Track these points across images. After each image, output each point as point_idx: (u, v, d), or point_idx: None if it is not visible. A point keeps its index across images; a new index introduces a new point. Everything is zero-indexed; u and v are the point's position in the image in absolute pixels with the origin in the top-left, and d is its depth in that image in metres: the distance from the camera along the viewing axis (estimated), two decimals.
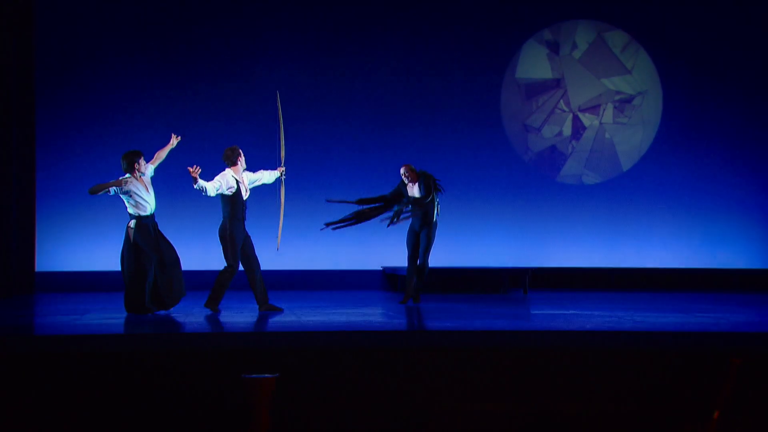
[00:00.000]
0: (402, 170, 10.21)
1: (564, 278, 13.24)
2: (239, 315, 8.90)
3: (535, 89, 13.43)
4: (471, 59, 13.26)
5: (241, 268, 9.18)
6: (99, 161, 12.08)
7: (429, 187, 10.00)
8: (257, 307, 9.24)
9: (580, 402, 6.78)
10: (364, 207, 9.88)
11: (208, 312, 8.89)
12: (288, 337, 7.15)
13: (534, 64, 13.35)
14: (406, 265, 10.30)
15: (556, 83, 13.45)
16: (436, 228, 10.18)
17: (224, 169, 9.10)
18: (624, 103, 13.53)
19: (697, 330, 7.61)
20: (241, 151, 9.20)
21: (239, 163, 9.12)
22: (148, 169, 8.82)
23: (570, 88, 13.44)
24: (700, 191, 13.49)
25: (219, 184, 8.92)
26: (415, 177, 10.13)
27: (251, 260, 9.06)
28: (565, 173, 13.51)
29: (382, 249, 12.94)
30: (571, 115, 13.48)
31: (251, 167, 9.39)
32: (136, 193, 8.65)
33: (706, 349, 6.89)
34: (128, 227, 8.70)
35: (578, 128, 13.49)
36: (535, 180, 13.47)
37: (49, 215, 12.17)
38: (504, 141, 13.40)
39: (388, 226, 10.03)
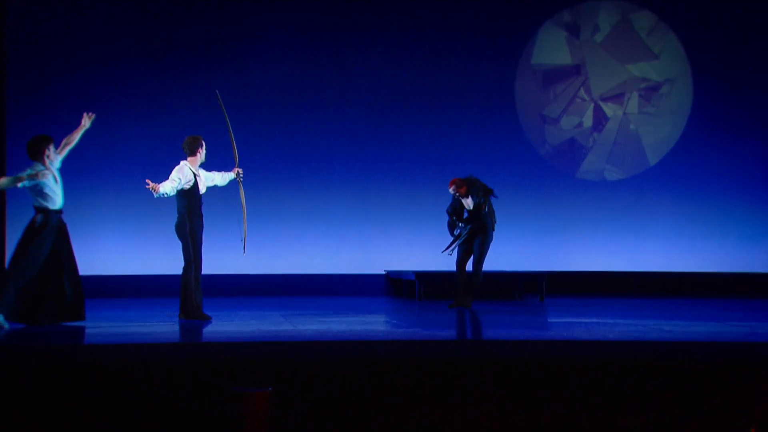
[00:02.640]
0: (450, 189, 10.41)
1: (584, 283, 13.26)
2: (230, 323, 8.93)
3: (553, 76, 13.44)
4: (482, 44, 13.26)
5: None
6: (74, 159, 12.24)
7: (479, 193, 10.26)
8: (214, 314, 9.23)
9: (603, 418, 6.77)
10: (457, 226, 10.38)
11: (195, 320, 8.89)
12: (282, 347, 7.15)
13: (552, 48, 13.35)
14: (455, 270, 10.54)
15: (576, 70, 13.46)
16: (491, 237, 10.42)
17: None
18: (651, 91, 13.54)
19: (730, 340, 7.59)
20: (203, 142, 9.03)
21: (199, 155, 8.98)
22: (57, 158, 8.59)
23: (591, 74, 13.46)
24: (733, 189, 13.51)
25: (178, 180, 8.80)
26: (464, 189, 10.35)
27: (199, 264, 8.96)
28: (585, 168, 13.53)
29: (386, 251, 13.01)
30: (592, 105, 13.49)
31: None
32: (45, 184, 8.38)
33: (740, 361, 6.88)
34: (34, 221, 8.42)
35: (600, 119, 13.50)
36: (552, 176, 13.47)
37: (20, 219, 12.24)
38: (518, 133, 13.42)
39: (443, 251, 10.54)
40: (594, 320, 9.48)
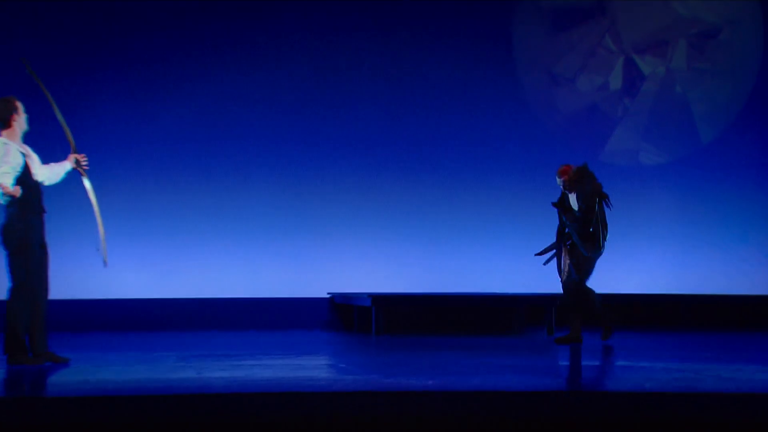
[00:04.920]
0: (558, 180, 10.97)
1: (609, 310, 13.22)
2: (100, 370, 8.79)
3: (567, 19, 13.54)
4: None
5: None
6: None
7: (586, 197, 10.70)
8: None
9: None
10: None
11: (34, 365, 8.79)
12: (178, 404, 7.02)
13: None
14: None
15: (600, 8, 13.56)
16: (592, 251, 10.83)
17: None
18: (704, 39, 13.65)
19: None
20: (20, 105, 8.81)
21: (15, 124, 8.80)
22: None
23: (621, 16, 13.56)
24: None
25: (8, 165, 8.71)
26: (567, 178, 10.87)
27: (42, 285, 8.85)
28: (612, 149, 13.60)
29: (330, 267, 13.10)
30: (622, 59, 13.58)
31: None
32: None
33: None
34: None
35: (633, 78, 13.59)
36: (564, 159, 13.17)
37: None
38: (519, 99, 13.52)
39: (539, 256, 11.14)
40: (623, 362, 9.58)
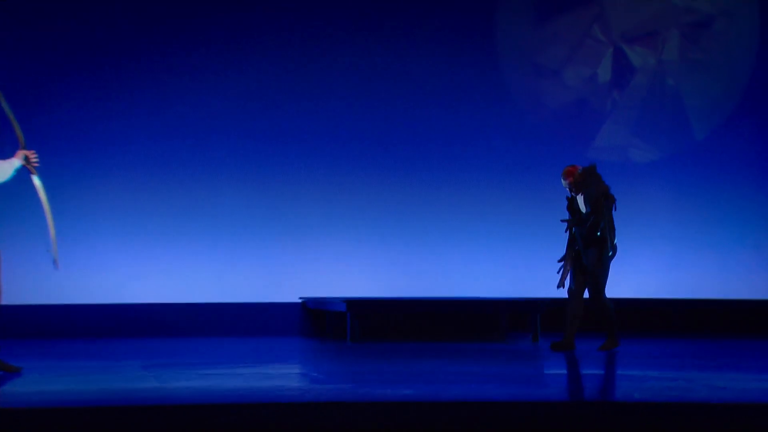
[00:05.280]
0: (563, 183, 11.03)
1: (596, 316, 13.24)
2: (58, 379, 8.75)
3: (554, 7, 13.53)
4: None
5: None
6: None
7: (592, 199, 10.79)
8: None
9: None
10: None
11: None
12: (140, 415, 6.96)
13: None
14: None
15: None
16: (603, 254, 10.89)
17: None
18: (698, 29, 13.65)
19: None
20: None
21: None
22: None
23: (610, 4, 13.55)
24: None
25: None
26: (573, 180, 10.96)
27: None
28: (600, 144, 13.60)
29: (303, 271, 13.10)
30: (611, 49, 13.58)
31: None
32: None
33: None
34: None
35: (623, 70, 13.60)
36: (551, 156, 13.51)
37: None
38: (502, 93, 13.50)
39: (559, 287, 11.07)
40: (613, 371, 9.62)
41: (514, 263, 13.46)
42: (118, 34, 13.01)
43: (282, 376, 9.22)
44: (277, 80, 13.25)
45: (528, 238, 13.49)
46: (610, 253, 10.89)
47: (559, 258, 11.04)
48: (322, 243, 13.20)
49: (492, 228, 13.37)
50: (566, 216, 11.03)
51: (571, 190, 10.94)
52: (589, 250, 10.85)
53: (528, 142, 13.54)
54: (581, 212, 10.91)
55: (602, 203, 10.80)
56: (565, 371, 9.79)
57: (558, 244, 13.45)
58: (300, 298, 13.12)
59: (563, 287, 11.01)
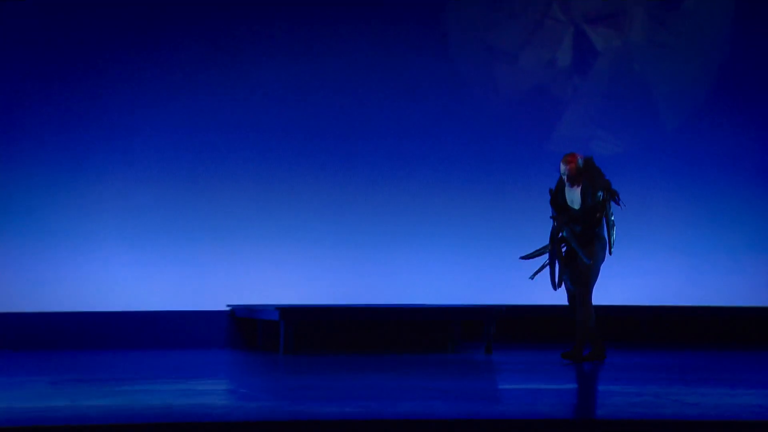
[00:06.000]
0: (562, 167, 11.13)
1: (555, 325, 13.36)
2: None
3: None
4: None
5: None
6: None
7: (598, 193, 10.92)
8: None
9: None
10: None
11: None
12: None
13: None
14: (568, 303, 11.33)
15: None
16: (601, 254, 11.05)
17: None
18: (666, 8, 13.72)
19: None
20: None
21: None
22: None
23: None
24: None
25: None
26: (575, 168, 11.08)
27: None
28: (561, 135, 13.64)
29: (230, 275, 13.08)
30: (572, 30, 13.64)
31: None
32: None
33: None
34: None
35: (585, 53, 13.66)
36: (506, 150, 13.62)
37: None
38: (452, 79, 13.53)
39: (532, 277, 11.30)
40: (573, 385, 9.69)
41: (466, 267, 13.48)
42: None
43: (206, 392, 9.21)
44: (202, 68, 13.29)
45: (482, 239, 13.56)
46: (609, 254, 11.06)
47: (527, 254, 11.27)
48: (253, 244, 13.17)
49: (443, 228, 13.42)
50: (543, 211, 11.21)
51: (569, 179, 11.03)
52: (585, 249, 10.96)
53: (482, 134, 13.60)
54: (570, 207, 11.03)
55: (606, 198, 10.96)
56: (521, 386, 9.81)
57: (515, 245, 13.51)
58: (228, 305, 13.07)
59: (558, 287, 11.16)
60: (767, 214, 13.92)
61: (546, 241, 11.24)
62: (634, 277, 13.61)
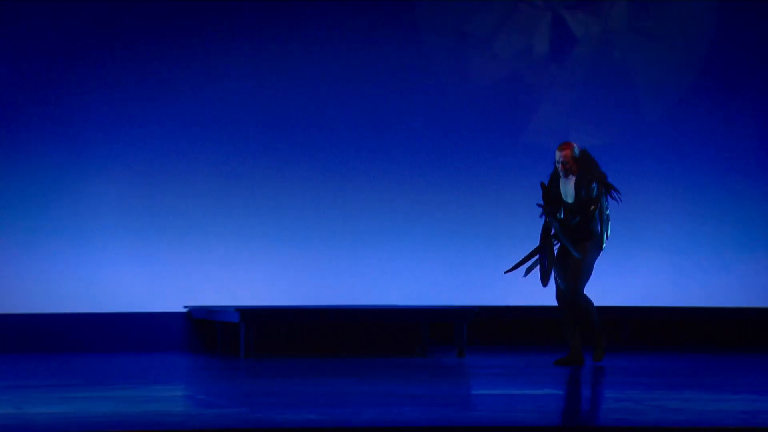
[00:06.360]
0: (558, 155, 11.25)
1: (532, 327, 13.46)
2: None
3: None
4: None
5: None
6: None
7: (592, 185, 11.04)
8: None
9: None
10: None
11: None
12: None
13: None
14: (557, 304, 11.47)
15: None
16: (595, 250, 11.26)
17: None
18: None
19: None
20: None
21: None
22: None
23: None
24: None
25: None
26: (570, 157, 11.23)
27: None
28: (537, 126, 13.65)
29: (186, 274, 13.07)
30: (549, 16, 13.62)
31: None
32: None
33: None
34: None
35: (563, 40, 13.65)
36: (479, 142, 13.61)
37: None
38: (421, 67, 13.51)
39: (507, 271, 11.47)
40: (550, 390, 9.70)
41: (437, 265, 13.48)
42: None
43: (162, 399, 9.19)
44: (163, 60, 13.30)
45: (454, 236, 13.58)
46: (603, 248, 11.21)
47: (511, 267, 11.31)
48: (211, 242, 13.18)
49: (412, 225, 13.42)
50: (533, 206, 11.27)
51: (563, 167, 11.10)
52: (579, 244, 11.06)
53: (454, 126, 13.59)
54: (564, 201, 11.10)
55: (602, 191, 11.10)
56: (494, 391, 9.79)
57: (489, 242, 13.55)
58: (185, 306, 13.05)
59: (548, 284, 11.24)
60: (754, 207, 13.92)
61: (529, 241, 11.32)
62: (614, 277, 13.58)
